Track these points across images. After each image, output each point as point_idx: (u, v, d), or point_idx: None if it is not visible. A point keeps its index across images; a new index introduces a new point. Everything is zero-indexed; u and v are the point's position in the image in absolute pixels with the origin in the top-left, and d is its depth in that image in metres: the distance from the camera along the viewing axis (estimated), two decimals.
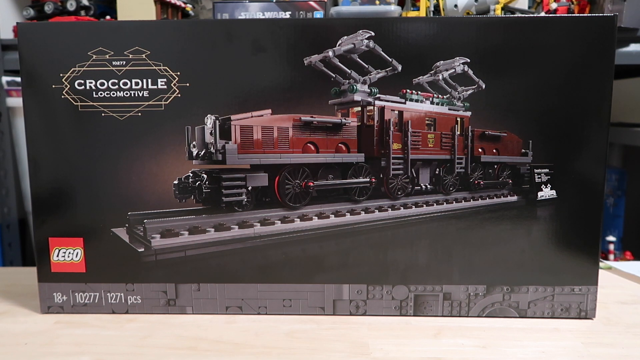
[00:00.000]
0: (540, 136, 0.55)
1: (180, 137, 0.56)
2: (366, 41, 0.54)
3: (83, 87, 0.55)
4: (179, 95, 0.55)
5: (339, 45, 0.54)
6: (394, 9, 1.12)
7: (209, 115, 0.55)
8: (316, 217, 0.59)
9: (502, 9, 1.10)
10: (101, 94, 0.55)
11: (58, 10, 1.23)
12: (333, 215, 0.60)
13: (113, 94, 0.55)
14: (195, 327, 0.56)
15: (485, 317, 0.58)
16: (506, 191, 0.60)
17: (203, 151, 0.56)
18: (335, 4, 1.23)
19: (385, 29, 0.54)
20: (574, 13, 1.10)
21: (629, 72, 1.27)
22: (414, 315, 0.58)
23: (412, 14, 1.17)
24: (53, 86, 0.55)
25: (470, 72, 0.54)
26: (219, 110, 0.55)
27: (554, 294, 0.57)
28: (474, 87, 0.55)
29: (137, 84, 0.55)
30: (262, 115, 0.56)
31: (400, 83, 0.56)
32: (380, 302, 0.58)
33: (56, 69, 0.55)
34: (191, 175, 0.57)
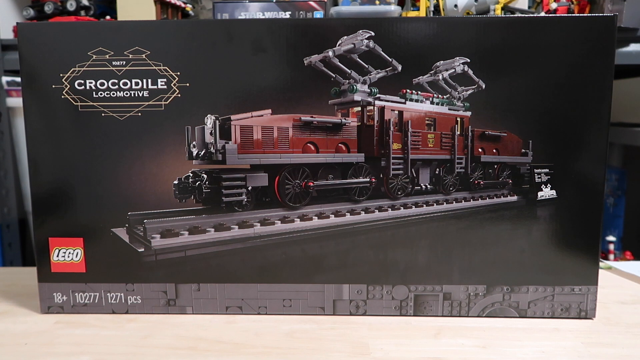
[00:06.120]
0: (540, 136, 0.55)
1: (180, 137, 0.56)
2: (366, 41, 0.54)
3: (83, 87, 0.55)
4: (179, 95, 0.55)
5: (339, 45, 0.54)
6: (394, 9, 1.12)
7: (209, 115, 0.55)
8: (316, 217, 0.59)
9: (502, 9, 1.10)
10: (101, 94, 0.55)
11: (58, 10, 1.23)
12: (333, 215, 0.60)
13: (113, 94, 0.55)
14: (195, 327, 0.56)
15: (485, 317, 0.58)
16: (506, 191, 0.60)
17: (203, 151, 0.56)
18: (335, 4, 1.23)
19: (385, 29, 0.54)
20: (574, 13, 1.10)
21: (629, 72, 1.27)
22: (414, 315, 0.58)
23: (412, 14, 1.17)
24: (53, 86, 0.55)
25: (470, 72, 0.54)
26: (219, 110, 0.55)
27: (554, 294, 0.57)
28: (474, 87, 0.55)
29: (137, 84, 0.55)
30: (262, 115, 0.56)
31: (400, 83, 0.56)
32: (380, 302, 0.58)
33: (56, 69, 0.55)
34: (191, 175, 0.57)
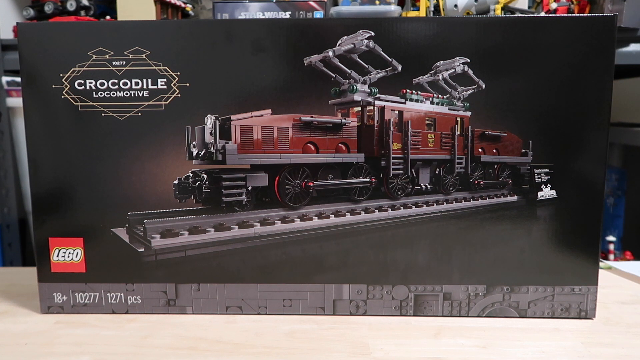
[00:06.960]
0: (540, 136, 0.55)
1: (180, 137, 0.56)
2: (366, 41, 0.54)
3: (83, 87, 0.55)
4: (179, 95, 0.55)
5: (339, 45, 0.54)
6: (394, 9, 1.12)
7: (209, 115, 0.55)
8: (316, 217, 0.59)
9: (502, 9, 1.10)
10: (101, 94, 0.55)
11: (58, 10, 1.23)
12: (333, 215, 0.60)
13: (113, 94, 0.55)
14: (195, 327, 0.56)
15: (485, 317, 0.58)
16: (506, 191, 0.60)
17: (203, 151, 0.56)
18: (335, 4, 1.23)
19: (385, 29, 0.54)
20: (574, 13, 1.10)
21: (629, 72, 1.27)
22: (414, 315, 0.58)
23: (412, 14, 1.17)
24: (53, 86, 0.55)
25: (470, 72, 0.54)
26: (219, 110, 0.55)
27: (554, 294, 0.57)
28: (474, 87, 0.55)
29: (137, 84, 0.55)
30: (262, 115, 0.56)
31: (400, 83, 0.56)
32: (380, 302, 0.58)
33: (56, 69, 0.55)
34: (191, 175, 0.57)
